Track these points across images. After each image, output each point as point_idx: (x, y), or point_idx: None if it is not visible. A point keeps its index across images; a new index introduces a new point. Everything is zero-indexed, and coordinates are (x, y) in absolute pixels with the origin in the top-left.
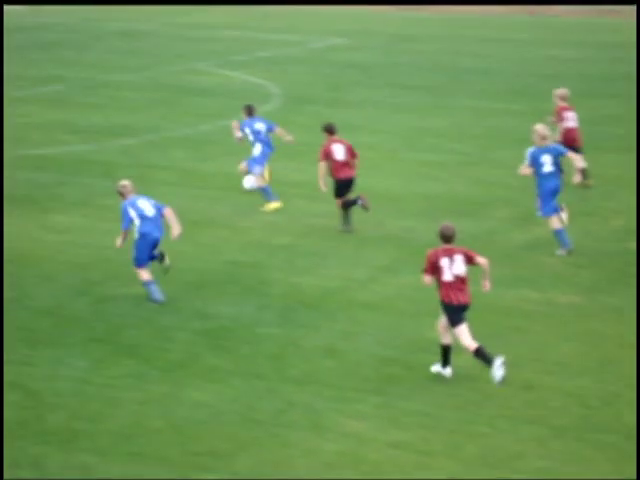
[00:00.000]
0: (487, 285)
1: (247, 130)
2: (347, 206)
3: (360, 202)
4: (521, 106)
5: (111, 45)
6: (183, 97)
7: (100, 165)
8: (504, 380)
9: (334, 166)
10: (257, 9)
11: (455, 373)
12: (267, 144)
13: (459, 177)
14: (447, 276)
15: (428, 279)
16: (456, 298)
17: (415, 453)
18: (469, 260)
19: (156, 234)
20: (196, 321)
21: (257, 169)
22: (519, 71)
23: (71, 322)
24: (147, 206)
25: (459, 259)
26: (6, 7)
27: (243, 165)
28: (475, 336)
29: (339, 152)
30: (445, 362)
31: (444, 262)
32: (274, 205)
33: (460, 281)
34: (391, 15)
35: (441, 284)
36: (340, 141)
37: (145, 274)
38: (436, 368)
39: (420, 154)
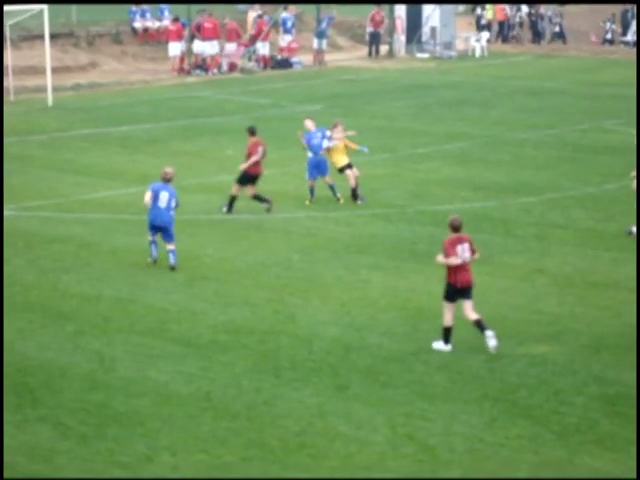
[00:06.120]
0: None
1: None
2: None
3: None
4: None
5: (517, 103)
6: (588, 155)
7: (500, 222)
8: None
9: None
10: None
11: None
12: None
13: None
14: None
15: None
16: None
17: None
18: None
19: (157, 222)
20: (593, 386)
21: None
22: None
23: (466, 378)
24: (165, 198)
25: None
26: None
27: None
28: None
29: (260, 152)
30: None
31: None
32: None
33: None
34: None
35: None
36: (261, 143)
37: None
38: None
39: None
